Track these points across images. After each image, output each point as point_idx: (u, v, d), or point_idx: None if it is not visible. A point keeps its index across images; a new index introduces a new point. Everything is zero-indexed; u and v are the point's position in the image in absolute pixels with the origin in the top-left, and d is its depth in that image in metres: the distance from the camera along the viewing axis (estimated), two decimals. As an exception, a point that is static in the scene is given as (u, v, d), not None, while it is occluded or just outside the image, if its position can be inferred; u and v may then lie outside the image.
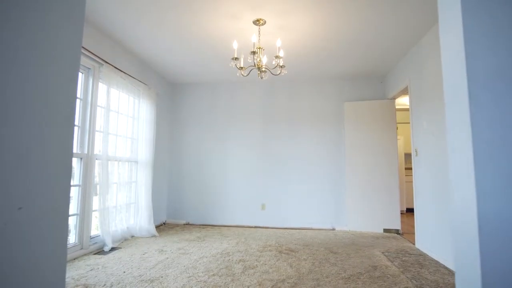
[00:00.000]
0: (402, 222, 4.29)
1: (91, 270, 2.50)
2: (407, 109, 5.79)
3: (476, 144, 0.67)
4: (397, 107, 4.85)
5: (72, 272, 2.43)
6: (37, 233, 0.86)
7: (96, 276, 2.35)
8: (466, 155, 0.70)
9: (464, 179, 0.71)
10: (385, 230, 4.25)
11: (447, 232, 2.79)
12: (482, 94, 0.69)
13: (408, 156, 6.70)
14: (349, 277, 2.41)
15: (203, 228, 4.50)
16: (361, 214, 4.35)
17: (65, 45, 1.01)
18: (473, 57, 0.69)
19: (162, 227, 4.48)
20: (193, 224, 4.77)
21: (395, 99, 4.45)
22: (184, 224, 4.76)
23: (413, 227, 4.53)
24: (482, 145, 0.67)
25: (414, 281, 2.33)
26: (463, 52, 0.70)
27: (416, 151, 3.49)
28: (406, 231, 4.33)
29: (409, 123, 6.01)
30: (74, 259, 2.78)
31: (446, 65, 0.80)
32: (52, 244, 0.93)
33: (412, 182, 6.05)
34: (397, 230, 4.22)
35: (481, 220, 0.65)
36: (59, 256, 0.96)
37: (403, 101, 5.70)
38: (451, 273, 2.55)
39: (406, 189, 6.18)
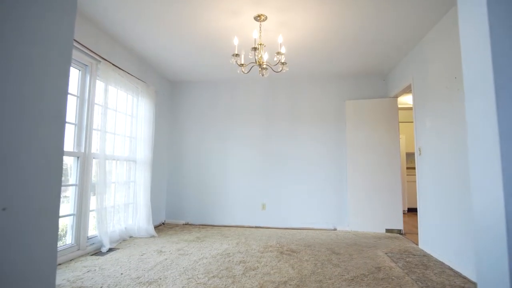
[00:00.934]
0: (404, 222, 4.23)
1: (87, 271, 2.44)
2: (408, 108, 5.74)
3: (503, 140, 0.61)
4: (398, 105, 4.78)
5: (68, 274, 2.36)
6: (24, 235, 0.80)
7: (92, 278, 2.29)
8: (491, 151, 0.64)
9: (489, 178, 0.65)
10: (387, 230, 4.19)
11: (451, 232, 2.73)
12: (510, 85, 0.62)
13: (409, 156, 6.64)
14: (352, 279, 2.36)
15: (203, 228, 4.44)
16: (363, 214, 4.29)
17: (56, 35, 0.94)
18: (500, 45, 0.63)
19: (161, 227, 4.42)
20: (193, 224, 4.71)
21: (397, 97, 4.39)
22: (183, 224, 4.70)
23: (415, 227, 4.48)
24: (510, 140, 0.61)
25: (420, 283, 2.27)
26: (488, 39, 0.64)
27: (419, 150, 3.44)
28: (408, 231, 4.27)
29: (410, 122, 5.97)
30: (71, 260, 2.71)
31: (467, 54, 0.74)
32: (41, 247, 0.86)
33: (413, 181, 6.01)
34: (400, 230, 4.16)
35: (510, 222, 0.59)
36: (48, 260, 0.89)
37: (404, 100, 5.64)
38: (457, 274, 2.49)
39: (408, 189, 6.13)
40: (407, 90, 3.96)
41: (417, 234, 3.57)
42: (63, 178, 2.97)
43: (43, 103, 0.89)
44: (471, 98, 0.73)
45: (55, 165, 0.92)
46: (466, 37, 0.74)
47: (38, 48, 0.88)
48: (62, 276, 2.32)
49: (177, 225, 4.62)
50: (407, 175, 6.25)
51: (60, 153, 0.95)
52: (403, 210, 5.95)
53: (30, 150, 0.82)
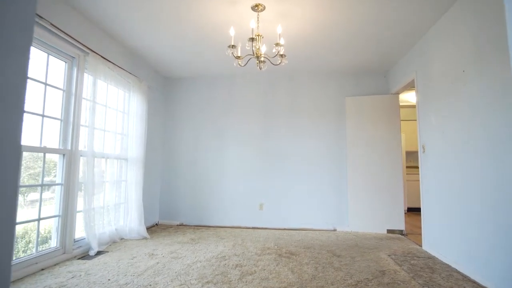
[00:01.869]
0: (404, 222, 4.10)
1: (72, 277, 2.27)
2: (408, 106, 5.62)
3: None
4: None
5: (50, 280, 2.19)
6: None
7: (77, 285, 2.12)
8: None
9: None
10: (389, 231, 4.06)
11: (457, 233, 2.59)
12: None
13: (409, 154, 6.52)
14: (356, 284, 2.21)
15: (198, 229, 4.28)
16: (363, 214, 4.16)
17: (12, 7, 0.78)
18: None
19: (154, 229, 4.24)
20: (187, 225, 4.54)
21: (399, 94, 4.25)
22: (178, 225, 4.53)
23: (417, 227, 4.35)
24: None
25: (427, 289, 2.14)
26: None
27: (423, 148, 3.30)
28: (410, 232, 4.15)
29: (410, 120, 5.85)
30: (55, 265, 2.54)
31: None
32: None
33: (413, 180, 5.90)
34: (401, 230, 4.04)
35: None
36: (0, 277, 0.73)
37: (405, 98, 5.52)
38: (466, 278, 2.36)
39: (408, 188, 6.01)
40: (409, 86, 3.83)
41: (419, 234, 3.44)
42: (54, 178, 2.79)
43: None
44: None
45: (9, 162, 0.76)
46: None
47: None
48: (44, 282, 2.15)
49: (171, 226, 4.45)
50: (407, 174, 6.13)
51: (17, 147, 0.78)
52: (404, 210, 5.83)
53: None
